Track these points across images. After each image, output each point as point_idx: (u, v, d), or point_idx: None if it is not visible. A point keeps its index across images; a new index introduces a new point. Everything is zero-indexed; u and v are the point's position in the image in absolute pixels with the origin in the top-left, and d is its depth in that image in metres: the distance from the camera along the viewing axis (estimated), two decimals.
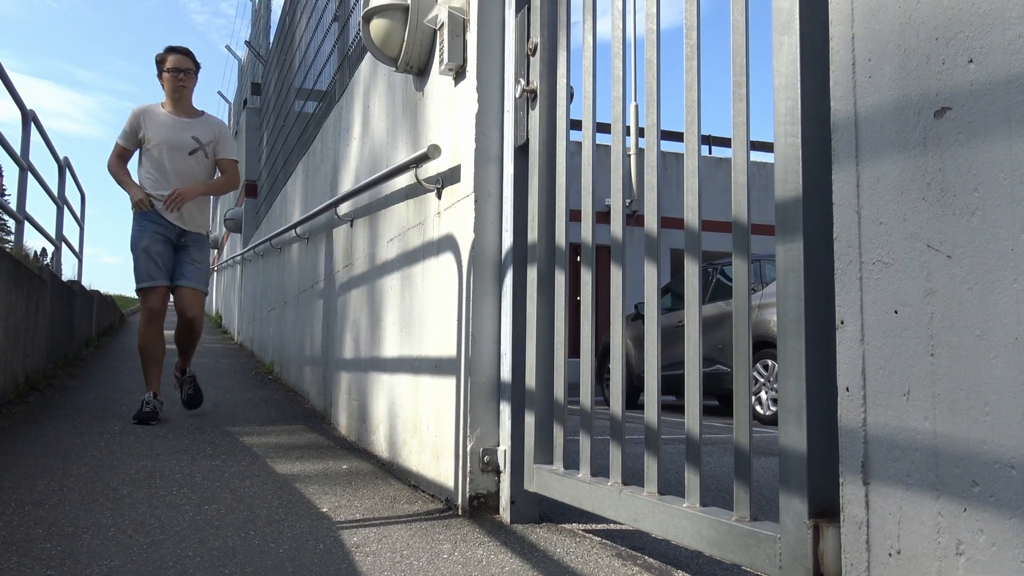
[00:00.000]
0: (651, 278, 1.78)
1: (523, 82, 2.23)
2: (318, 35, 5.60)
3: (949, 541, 1.02)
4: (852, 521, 1.17)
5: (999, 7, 0.98)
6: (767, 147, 16.31)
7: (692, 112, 1.63)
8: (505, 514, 2.19)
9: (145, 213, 3.94)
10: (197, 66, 4.20)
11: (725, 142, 16.13)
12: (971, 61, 1.01)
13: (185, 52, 4.16)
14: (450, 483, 2.35)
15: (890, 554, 1.10)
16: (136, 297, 4.20)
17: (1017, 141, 0.96)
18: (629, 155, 13.82)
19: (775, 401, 6.43)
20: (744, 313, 1.47)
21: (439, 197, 2.58)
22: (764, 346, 6.69)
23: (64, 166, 6.98)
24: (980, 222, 1.00)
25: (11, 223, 6.87)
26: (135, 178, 4.04)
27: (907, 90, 1.10)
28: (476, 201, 2.29)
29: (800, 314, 1.32)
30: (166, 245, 3.98)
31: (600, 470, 1.94)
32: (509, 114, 2.30)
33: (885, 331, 1.12)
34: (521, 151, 2.26)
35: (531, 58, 2.22)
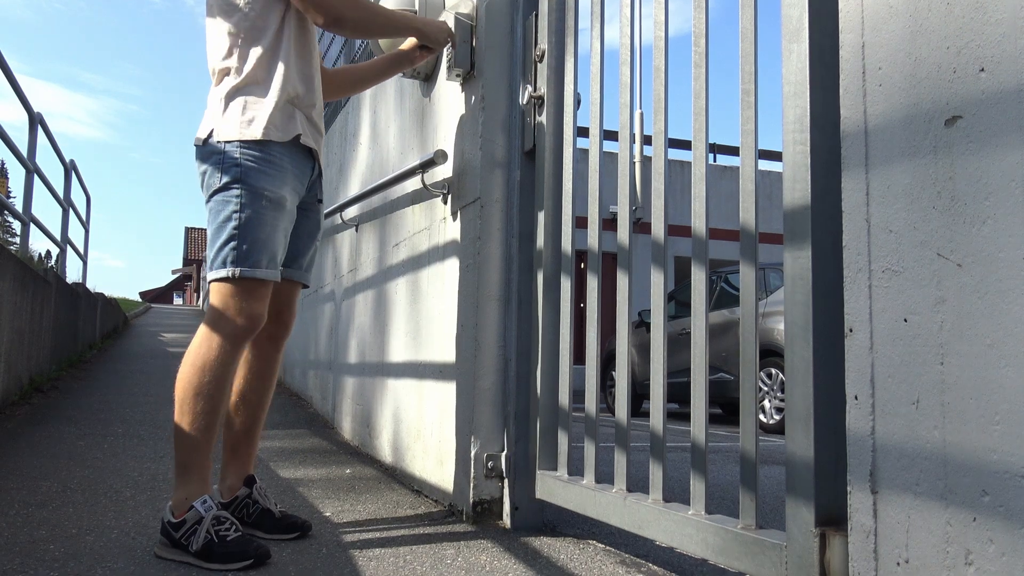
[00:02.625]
0: (657, 285, 1.78)
1: (530, 88, 2.23)
2: (324, 39, 5.62)
3: (958, 551, 1.02)
4: (860, 530, 1.16)
5: (1011, 16, 0.98)
6: (772, 155, 16.33)
7: (700, 119, 1.63)
8: (508, 520, 2.19)
9: (281, 150, 1.89)
10: None
11: (730, 150, 16.14)
12: (982, 70, 1.01)
13: None
14: (454, 488, 2.34)
15: (898, 563, 1.10)
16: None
17: None
18: (635, 162, 13.82)
19: (779, 410, 6.42)
20: (751, 321, 1.47)
21: (445, 202, 2.59)
22: (768, 354, 6.69)
23: (70, 169, 7.01)
24: (991, 231, 0.99)
25: (17, 225, 6.90)
26: (271, 72, 1.90)
27: (918, 98, 1.10)
28: (482, 207, 2.29)
29: (808, 321, 1.31)
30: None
31: (605, 477, 1.93)
32: (516, 120, 2.31)
33: (894, 339, 1.12)
34: (528, 157, 2.27)
35: (538, 64, 2.22)
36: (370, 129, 3.76)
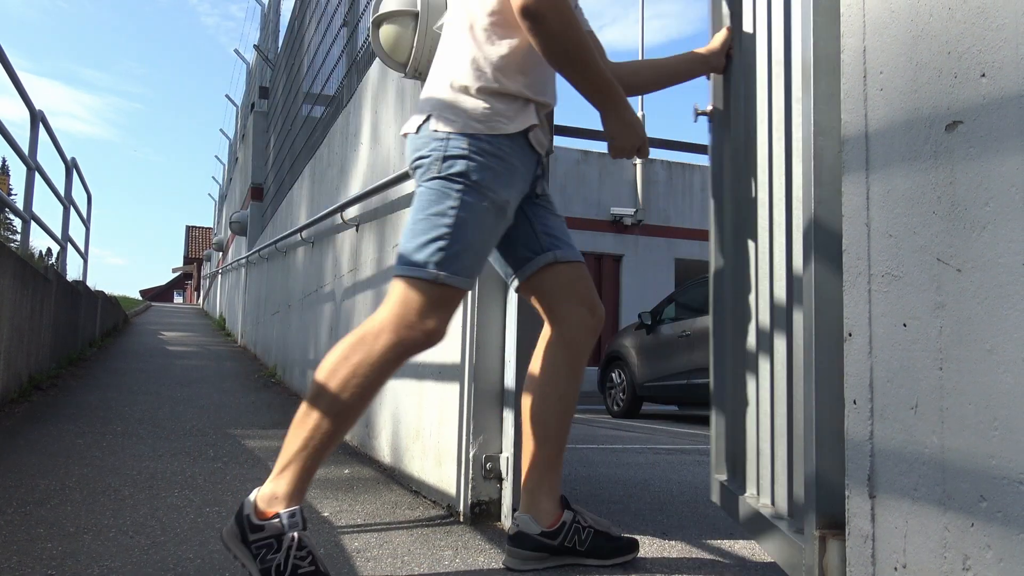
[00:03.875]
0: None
1: None
2: (327, 40, 5.62)
3: (956, 556, 1.02)
4: (857, 534, 1.16)
5: (1013, 21, 0.98)
6: None
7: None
8: (507, 521, 2.18)
9: (511, 146, 1.68)
10: None
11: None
12: (984, 75, 1.01)
13: None
14: (452, 490, 2.34)
15: (896, 568, 1.10)
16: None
17: None
18: (635, 165, 13.83)
19: None
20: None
21: None
22: None
23: (71, 167, 7.01)
24: (991, 236, 0.99)
25: (17, 223, 6.89)
26: (512, 65, 1.69)
27: (918, 103, 1.10)
28: None
29: (810, 325, 1.31)
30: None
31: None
32: None
33: (893, 344, 1.12)
34: None
35: None
36: (371, 129, 3.76)
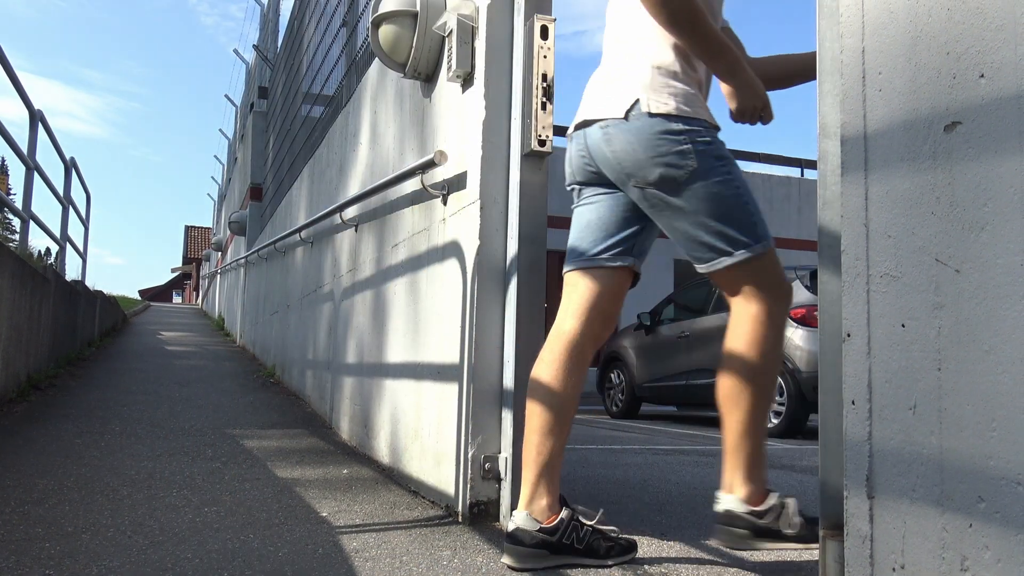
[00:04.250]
0: None
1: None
2: (326, 40, 5.62)
3: (954, 557, 1.02)
4: (856, 535, 1.16)
5: (1012, 22, 0.98)
6: (774, 160, 16.32)
7: None
8: (505, 521, 2.18)
9: (716, 130, 1.77)
10: None
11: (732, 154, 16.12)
12: (982, 76, 1.01)
13: None
14: (451, 490, 2.34)
15: (894, 569, 1.10)
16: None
17: None
18: None
19: (776, 414, 6.41)
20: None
21: (445, 203, 2.59)
22: None
23: (70, 166, 7.00)
24: (989, 237, 0.99)
25: (16, 222, 6.90)
26: (660, 50, 1.75)
27: (917, 104, 1.10)
28: (482, 208, 2.29)
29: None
30: None
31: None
32: (516, 121, 2.30)
33: (892, 345, 1.12)
34: (527, 158, 2.26)
35: None
36: (370, 129, 3.76)
